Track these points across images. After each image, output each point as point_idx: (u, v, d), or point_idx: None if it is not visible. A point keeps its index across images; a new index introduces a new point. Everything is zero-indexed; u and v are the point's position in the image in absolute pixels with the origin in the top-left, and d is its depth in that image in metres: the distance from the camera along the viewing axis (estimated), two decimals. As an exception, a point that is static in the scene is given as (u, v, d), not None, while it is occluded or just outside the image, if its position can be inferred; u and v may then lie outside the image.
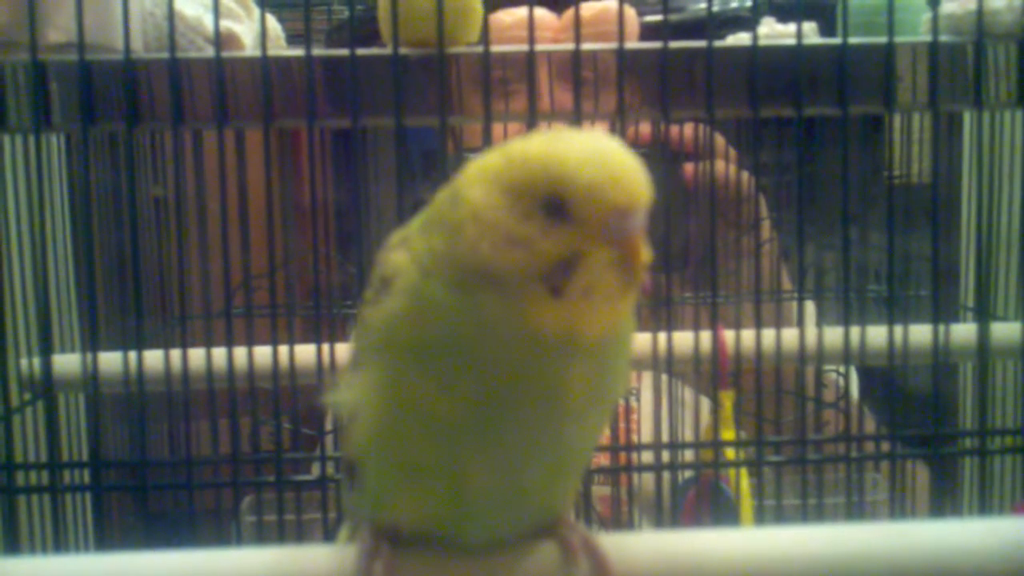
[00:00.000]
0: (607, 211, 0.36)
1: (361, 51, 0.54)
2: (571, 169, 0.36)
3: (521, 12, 0.75)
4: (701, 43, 0.54)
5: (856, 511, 0.64)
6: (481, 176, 0.37)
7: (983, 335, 0.60)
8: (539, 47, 0.54)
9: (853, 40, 0.55)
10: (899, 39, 0.55)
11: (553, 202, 0.36)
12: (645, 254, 0.36)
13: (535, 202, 0.36)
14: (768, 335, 0.66)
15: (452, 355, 0.38)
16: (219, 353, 0.63)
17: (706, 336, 0.66)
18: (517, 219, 0.36)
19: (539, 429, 0.39)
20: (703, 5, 1.01)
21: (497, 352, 0.37)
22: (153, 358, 0.63)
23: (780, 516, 0.67)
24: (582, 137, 0.37)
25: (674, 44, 0.54)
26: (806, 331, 0.62)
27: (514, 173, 0.37)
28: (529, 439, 0.39)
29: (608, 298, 0.37)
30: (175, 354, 0.63)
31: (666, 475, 0.66)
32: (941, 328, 0.61)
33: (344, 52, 0.53)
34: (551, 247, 0.36)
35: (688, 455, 0.69)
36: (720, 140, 0.86)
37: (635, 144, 0.43)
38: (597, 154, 0.36)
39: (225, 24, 0.57)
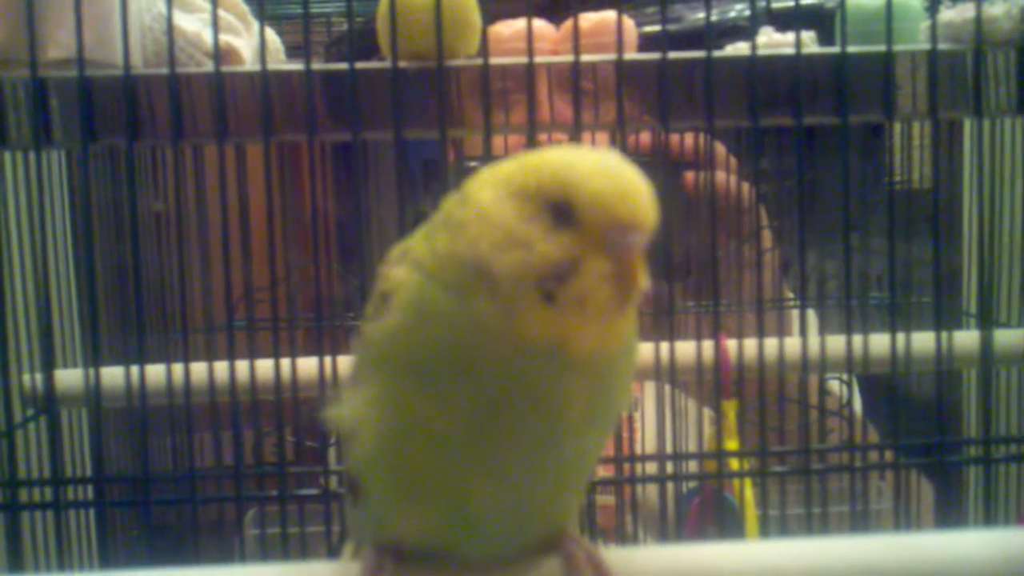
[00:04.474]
0: (611, 221, 0.36)
1: (360, 65, 0.54)
2: (583, 175, 0.36)
3: (520, 24, 0.75)
4: (700, 53, 0.54)
5: (860, 520, 0.64)
6: (492, 179, 0.38)
7: (986, 342, 0.60)
8: (538, 59, 0.54)
9: (852, 49, 0.55)
10: (898, 47, 0.55)
11: (560, 207, 0.36)
12: (643, 275, 0.36)
13: (542, 205, 0.36)
14: (770, 344, 0.66)
15: (450, 367, 0.38)
16: (221, 366, 0.63)
17: (708, 346, 0.66)
18: (522, 220, 0.36)
19: (539, 445, 0.39)
20: (701, 15, 1.01)
21: (492, 363, 0.37)
22: (155, 372, 0.63)
23: (784, 526, 0.66)
24: (600, 153, 0.38)
25: (673, 54, 0.54)
26: (808, 340, 0.62)
27: (526, 176, 0.37)
28: (529, 454, 0.39)
29: (600, 314, 0.37)
30: (177, 368, 0.63)
31: (670, 486, 0.65)
32: (944, 335, 0.61)
33: (343, 66, 0.54)
34: (550, 250, 0.36)
35: (691, 466, 0.69)
36: (721, 149, 0.86)
37: (635, 153, 0.43)
38: (611, 168, 0.37)
39: (224, 38, 0.57)
